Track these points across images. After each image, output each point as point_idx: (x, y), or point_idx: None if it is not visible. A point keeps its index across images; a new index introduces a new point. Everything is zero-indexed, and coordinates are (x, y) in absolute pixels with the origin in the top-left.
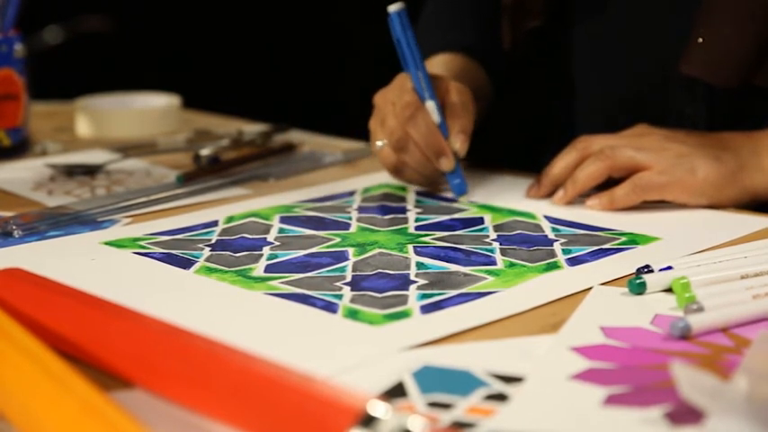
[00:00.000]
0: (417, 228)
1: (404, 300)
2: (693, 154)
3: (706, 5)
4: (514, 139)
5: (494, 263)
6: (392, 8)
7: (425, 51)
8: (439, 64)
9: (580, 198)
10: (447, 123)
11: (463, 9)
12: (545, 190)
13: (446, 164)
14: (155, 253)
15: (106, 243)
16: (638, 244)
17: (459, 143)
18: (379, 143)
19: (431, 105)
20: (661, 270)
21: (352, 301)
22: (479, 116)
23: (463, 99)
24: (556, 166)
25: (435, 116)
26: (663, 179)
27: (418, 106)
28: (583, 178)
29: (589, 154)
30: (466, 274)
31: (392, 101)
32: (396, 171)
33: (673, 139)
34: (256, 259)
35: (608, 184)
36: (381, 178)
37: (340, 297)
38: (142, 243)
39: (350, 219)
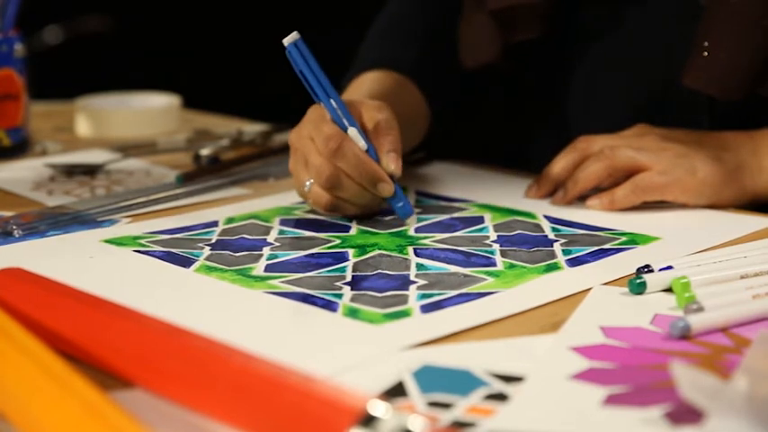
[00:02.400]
0: (417, 229)
1: (404, 299)
2: (693, 154)
3: (709, 18)
4: (513, 140)
5: (494, 264)
6: (287, 40)
7: (359, 67)
8: (369, 80)
9: (580, 198)
10: (374, 146)
11: (406, 27)
12: (545, 190)
13: (386, 189)
14: (155, 251)
15: (106, 241)
16: (638, 244)
17: (392, 164)
18: (307, 183)
19: (353, 132)
20: (661, 270)
21: (353, 300)
22: (415, 134)
23: (384, 115)
24: (556, 165)
25: (361, 143)
26: (663, 180)
27: (342, 137)
28: (583, 179)
29: (589, 154)
30: (466, 275)
31: (310, 136)
32: (331, 209)
33: (672, 139)
34: (256, 259)
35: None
36: None
37: (340, 296)
38: (142, 241)
39: (350, 221)
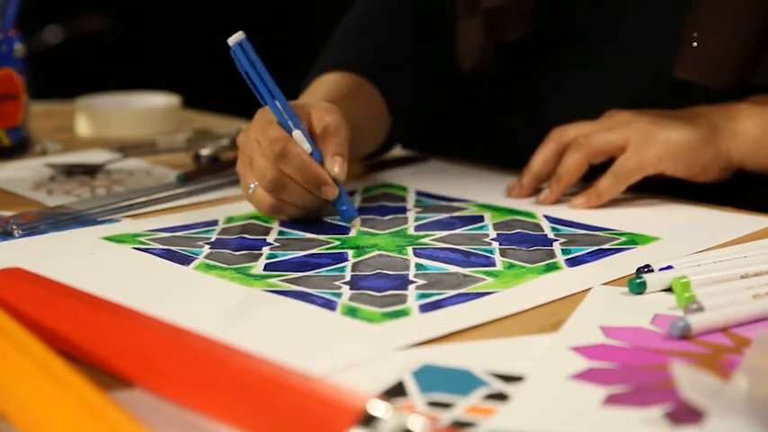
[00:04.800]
0: (417, 227)
1: (403, 299)
2: (666, 122)
3: (697, 8)
4: (507, 141)
5: (493, 264)
6: (232, 40)
7: (318, 69)
8: (326, 83)
9: (566, 197)
10: (319, 149)
11: (371, 29)
12: (528, 188)
13: (330, 192)
14: (154, 249)
15: (106, 238)
16: (637, 244)
17: (336, 167)
18: (252, 186)
19: (298, 135)
20: (661, 270)
21: (351, 299)
22: (374, 137)
23: (332, 118)
24: (535, 161)
25: (306, 145)
26: (639, 157)
27: (287, 140)
28: (565, 172)
29: (565, 143)
30: (465, 275)
31: (256, 138)
32: (274, 211)
33: (643, 114)
34: (256, 258)
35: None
36: (381, 179)
37: (339, 295)
38: (142, 239)
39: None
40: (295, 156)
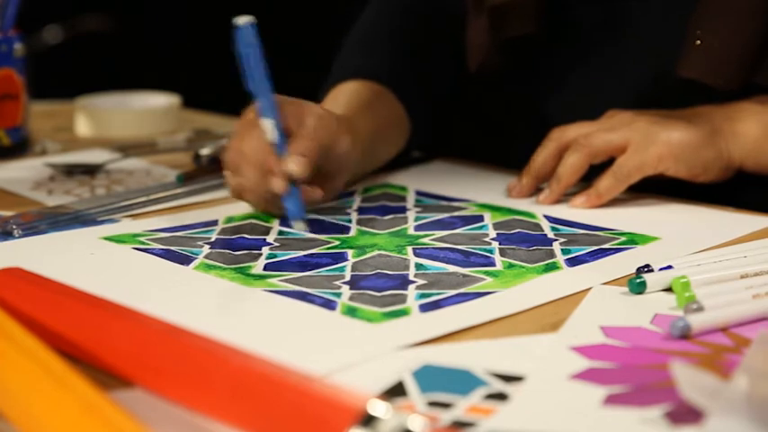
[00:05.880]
0: (417, 227)
1: (402, 298)
2: (666, 122)
3: (702, 7)
4: (509, 142)
5: (493, 264)
6: (241, 21)
7: (337, 77)
8: (346, 91)
9: (566, 197)
10: (289, 145)
11: (384, 35)
12: (528, 187)
13: (276, 184)
14: (154, 249)
15: (105, 238)
16: (637, 244)
17: (294, 164)
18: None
19: (266, 123)
20: (661, 269)
21: (351, 299)
22: (393, 145)
23: (317, 124)
24: (535, 161)
25: (270, 134)
26: (640, 158)
27: (255, 124)
28: (565, 173)
29: (565, 143)
30: (465, 275)
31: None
32: (237, 195)
33: (644, 114)
34: (255, 258)
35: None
36: (381, 179)
37: (339, 295)
38: (141, 239)
39: (349, 221)
40: (255, 139)
